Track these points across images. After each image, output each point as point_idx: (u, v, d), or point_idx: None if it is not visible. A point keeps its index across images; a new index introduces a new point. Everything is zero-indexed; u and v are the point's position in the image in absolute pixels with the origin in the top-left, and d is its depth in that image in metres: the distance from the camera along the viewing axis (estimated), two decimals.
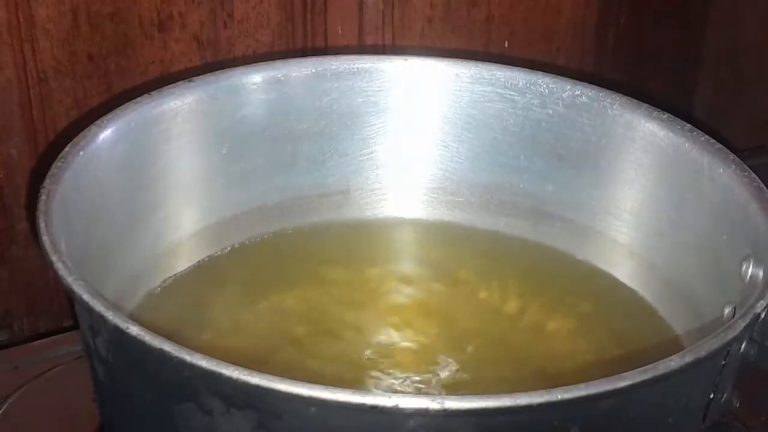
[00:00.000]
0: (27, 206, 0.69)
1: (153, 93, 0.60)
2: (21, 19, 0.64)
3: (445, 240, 0.67)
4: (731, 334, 0.46)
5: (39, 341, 0.68)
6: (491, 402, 0.41)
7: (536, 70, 0.64)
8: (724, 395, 0.49)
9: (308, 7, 0.72)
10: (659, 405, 0.46)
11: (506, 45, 0.79)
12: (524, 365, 0.58)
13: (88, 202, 0.55)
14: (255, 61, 0.64)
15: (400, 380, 0.57)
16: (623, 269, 0.64)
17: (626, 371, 0.43)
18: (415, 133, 0.66)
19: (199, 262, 0.63)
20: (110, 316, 0.44)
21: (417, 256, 0.68)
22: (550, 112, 0.63)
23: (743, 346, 0.48)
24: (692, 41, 0.89)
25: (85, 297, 0.45)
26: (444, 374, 0.58)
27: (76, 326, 0.64)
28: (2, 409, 0.62)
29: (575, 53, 0.83)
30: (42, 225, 0.49)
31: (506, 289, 0.63)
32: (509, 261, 0.65)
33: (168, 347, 0.42)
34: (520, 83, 0.64)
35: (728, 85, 0.91)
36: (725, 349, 0.46)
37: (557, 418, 0.43)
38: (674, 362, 0.43)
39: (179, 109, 0.60)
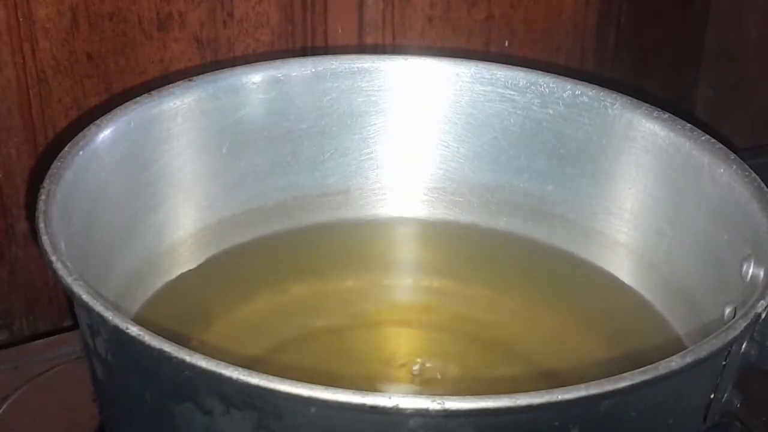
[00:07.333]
0: (26, 206, 0.69)
1: (153, 92, 0.60)
2: (20, 19, 0.64)
3: (445, 240, 0.67)
4: (732, 335, 0.46)
5: (38, 341, 0.68)
6: (491, 402, 0.41)
7: (537, 69, 0.64)
8: (725, 395, 0.49)
9: (308, 6, 0.72)
10: (660, 405, 0.46)
11: (506, 44, 0.79)
12: (524, 365, 0.58)
13: (87, 201, 0.55)
14: (255, 61, 0.64)
15: (400, 378, 0.57)
16: (624, 269, 0.63)
17: (627, 371, 0.43)
18: (415, 133, 0.66)
19: (199, 262, 0.63)
20: (110, 316, 0.44)
21: (417, 256, 0.68)
22: (551, 111, 0.63)
23: (744, 346, 0.48)
24: (692, 40, 0.89)
25: (85, 297, 0.45)
26: (444, 373, 0.58)
27: (75, 326, 0.64)
28: (2, 409, 0.62)
29: (576, 53, 0.83)
30: (41, 225, 0.49)
31: (506, 289, 0.63)
32: (509, 261, 0.66)
33: (167, 347, 0.42)
34: (521, 83, 0.64)
35: (729, 84, 0.92)
36: (726, 350, 0.46)
37: (557, 418, 0.43)
38: (675, 363, 0.43)
39: (179, 108, 0.60)
